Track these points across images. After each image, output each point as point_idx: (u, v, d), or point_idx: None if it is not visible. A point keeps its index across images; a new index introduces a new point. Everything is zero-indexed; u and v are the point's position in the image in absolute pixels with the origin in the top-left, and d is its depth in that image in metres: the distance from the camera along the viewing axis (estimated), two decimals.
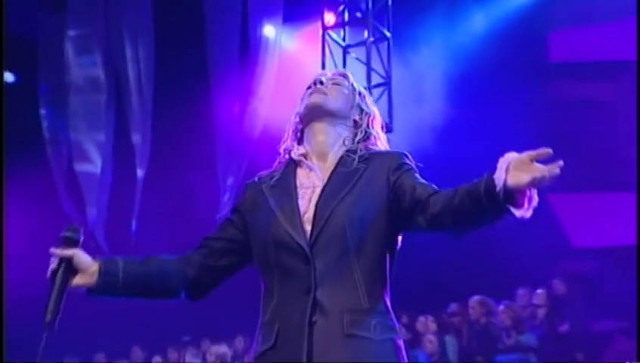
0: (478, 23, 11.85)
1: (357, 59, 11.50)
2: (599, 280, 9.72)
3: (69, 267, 3.42)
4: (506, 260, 10.70)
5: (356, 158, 3.62)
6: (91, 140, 13.45)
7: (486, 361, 10.20)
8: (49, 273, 3.44)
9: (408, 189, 3.52)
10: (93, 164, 13.44)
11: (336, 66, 11.31)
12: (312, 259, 3.46)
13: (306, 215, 3.51)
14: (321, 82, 3.75)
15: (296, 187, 3.62)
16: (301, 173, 3.67)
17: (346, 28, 11.72)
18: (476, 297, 10.61)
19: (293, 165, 3.70)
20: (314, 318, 3.42)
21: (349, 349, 3.38)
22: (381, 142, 3.79)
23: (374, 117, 3.79)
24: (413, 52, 11.67)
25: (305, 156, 3.68)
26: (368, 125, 3.76)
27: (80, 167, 13.39)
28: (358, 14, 11.65)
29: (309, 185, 3.61)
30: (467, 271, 11.34)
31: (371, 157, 3.64)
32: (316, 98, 3.70)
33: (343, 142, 3.70)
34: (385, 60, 11.49)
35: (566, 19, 11.13)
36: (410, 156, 3.64)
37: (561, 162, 3.16)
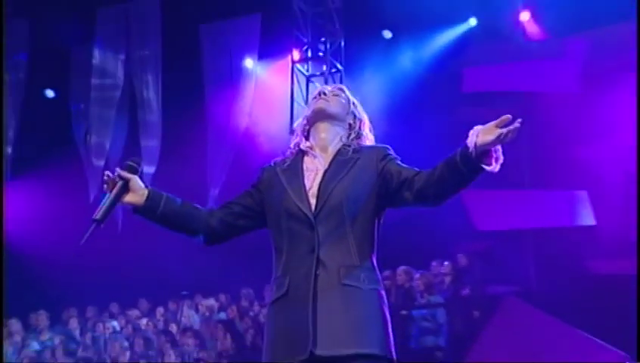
0: (409, 59, 12.07)
1: (317, 86, 11.13)
2: (493, 255, 10.08)
3: (126, 186, 3.65)
4: (424, 239, 10.92)
5: (350, 150, 3.81)
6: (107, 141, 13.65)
7: (407, 314, 10.04)
8: (105, 186, 3.67)
9: (394, 173, 3.71)
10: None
11: (300, 92, 11.99)
12: (316, 226, 3.63)
13: (310, 191, 3.69)
14: (325, 93, 3.94)
15: (303, 171, 3.77)
16: (307, 160, 3.81)
17: (309, 62, 12.14)
18: (402, 267, 10.67)
19: (301, 154, 3.84)
20: (317, 272, 3.58)
21: (343, 295, 3.57)
22: (369, 140, 3.95)
23: (363, 122, 3.96)
24: (360, 82, 11.84)
25: (310, 148, 3.83)
26: (359, 128, 3.94)
27: (99, 162, 13.58)
28: (320, 53, 12.07)
29: (314, 169, 3.77)
30: (396, 247, 11.16)
31: (362, 150, 3.83)
32: (321, 104, 3.89)
33: (340, 139, 3.87)
34: None
35: (478, 58, 11.34)
36: (391, 149, 3.80)
37: (519, 122, 3.40)
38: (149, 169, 13.09)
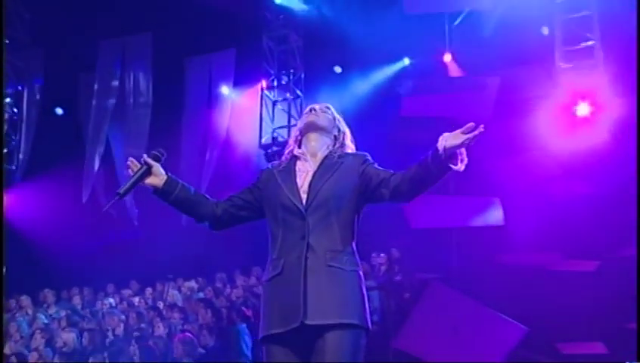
0: (356, 89, 12.14)
1: (282, 109, 12.11)
2: (422, 248, 10.00)
3: (149, 171, 3.69)
4: (366, 234, 10.90)
5: (336, 156, 3.80)
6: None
7: None
8: (130, 170, 3.71)
9: (373, 174, 3.72)
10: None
11: (268, 113, 12.14)
12: (306, 217, 3.62)
13: (302, 189, 3.68)
14: (315, 110, 3.94)
15: (296, 172, 3.76)
16: (299, 164, 3.80)
17: (276, 90, 12.23)
18: None
19: (294, 159, 3.83)
20: (307, 255, 3.57)
21: (329, 274, 3.56)
22: (351, 149, 3.92)
23: (346, 134, 3.94)
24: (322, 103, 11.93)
25: (302, 153, 3.82)
26: (342, 139, 3.92)
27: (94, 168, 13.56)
28: (283, 82, 12.20)
29: (305, 171, 3.76)
30: None
31: (346, 156, 3.82)
32: (312, 118, 3.89)
33: (327, 147, 3.85)
34: (298, 110, 11.96)
35: (413, 89, 11.28)
36: (370, 156, 3.79)
37: (482, 128, 3.40)
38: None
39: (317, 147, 3.83)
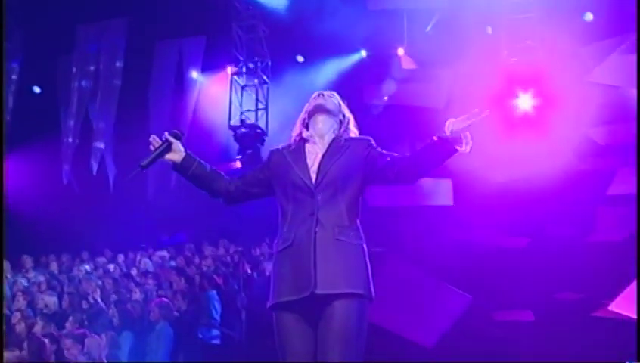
0: (317, 77, 12.17)
1: (250, 94, 11.92)
2: (379, 224, 9.34)
3: (169, 147, 3.70)
4: None
5: (343, 140, 3.76)
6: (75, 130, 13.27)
7: None
8: (151, 146, 3.70)
9: (378, 157, 3.71)
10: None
11: (237, 97, 11.93)
12: (316, 195, 3.60)
13: (312, 169, 3.67)
14: (322, 94, 3.89)
15: (305, 153, 3.73)
16: (308, 146, 3.76)
17: (244, 75, 11.99)
18: None
19: (302, 141, 3.79)
20: (316, 229, 3.55)
21: (337, 247, 3.54)
22: (354, 133, 3.88)
23: (349, 120, 3.88)
24: (282, 92, 11.86)
25: (311, 136, 3.78)
26: (347, 124, 3.86)
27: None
28: (251, 67, 12.01)
29: (314, 152, 3.73)
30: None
31: (352, 140, 3.80)
32: (320, 101, 3.84)
33: (333, 131, 3.80)
34: (265, 95, 11.94)
35: (373, 78, 11.36)
36: (373, 140, 3.77)
37: (487, 112, 3.46)
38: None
39: (324, 129, 3.79)
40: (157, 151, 3.68)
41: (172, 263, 11.48)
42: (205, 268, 10.70)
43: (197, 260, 11.33)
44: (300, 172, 3.67)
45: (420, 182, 10.38)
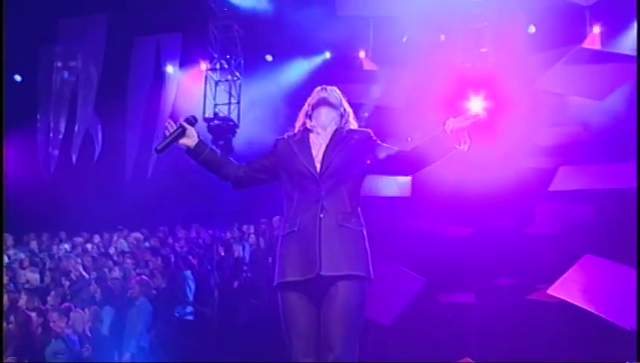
0: (284, 75, 12.13)
1: (223, 89, 11.80)
2: None
3: (183, 132, 3.66)
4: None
5: (345, 132, 3.74)
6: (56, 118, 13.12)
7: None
8: (166, 131, 3.68)
9: (378, 149, 3.72)
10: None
11: (211, 91, 11.83)
12: (320, 183, 3.58)
13: (317, 158, 3.64)
14: (325, 89, 3.83)
15: (310, 143, 3.70)
16: (312, 136, 3.73)
17: (218, 71, 11.86)
18: (276, 217, 10.62)
19: (306, 132, 3.75)
20: (321, 215, 3.53)
21: (341, 233, 3.52)
22: (354, 126, 3.85)
23: (349, 113, 3.86)
24: (253, 88, 11.92)
25: (314, 126, 3.76)
26: (347, 117, 3.84)
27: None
28: (225, 65, 11.89)
29: (318, 143, 3.70)
30: (272, 203, 11.20)
31: (354, 132, 3.78)
32: (324, 94, 3.79)
33: (335, 123, 3.77)
34: (237, 90, 11.84)
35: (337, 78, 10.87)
36: (373, 133, 3.76)
37: (484, 111, 3.63)
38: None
39: (327, 121, 3.77)
40: (172, 136, 3.64)
41: (146, 244, 11.41)
42: (179, 249, 10.66)
43: (170, 241, 11.28)
44: (306, 161, 3.64)
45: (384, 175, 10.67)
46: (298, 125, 3.83)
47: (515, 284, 8.98)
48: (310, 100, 3.84)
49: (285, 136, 3.81)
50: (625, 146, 8.58)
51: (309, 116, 3.81)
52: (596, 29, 9.72)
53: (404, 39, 10.20)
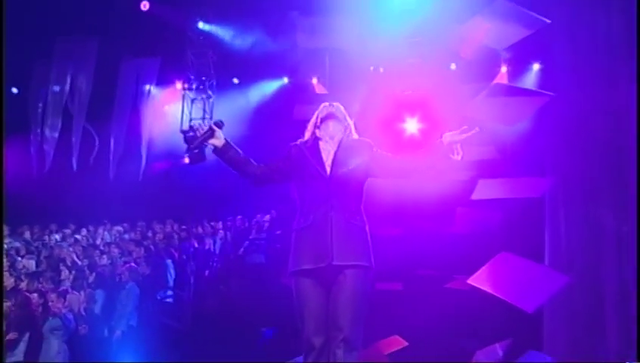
0: (249, 96, 12.07)
1: (198, 106, 11.79)
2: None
3: (212, 134, 3.63)
4: (257, 200, 10.80)
5: (349, 141, 3.74)
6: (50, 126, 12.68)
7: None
8: (197, 132, 3.68)
9: (380, 157, 3.70)
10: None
11: (188, 109, 11.79)
12: (330, 185, 3.55)
13: (327, 163, 3.62)
14: (332, 105, 3.82)
15: (320, 150, 3.69)
16: (321, 144, 3.72)
17: (194, 91, 11.85)
18: (239, 216, 11.03)
19: (316, 140, 3.74)
20: (331, 213, 3.50)
21: (348, 228, 3.51)
22: (356, 137, 3.84)
23: (352, 126, 3.84)
24: (225, 106, 11.81)
25: (323, 136, 3.74)
26: (350, 129, 3.83)
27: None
28: (200, 86, 11.87)
29: (327, 149, 3.68)
30: (239, 204, 11.29)
31: (357, 141, 3.78)
32: (331, 110, 3.79)
33: (340, 133, 3.75)
34: (210, 107, 11.81)
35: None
36: (372, 142, 3.71)
37: (477, 129, 3.44)
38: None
39: (334, 131, 3.75)
40: (203, 136, 3.62)
41: (126, 236, 11.27)
42: (158, 242, 10.55)
43: (150, 234, 11.15)
44: (318, 166, 3.63)
45: None
46: (308, 134, 3.83)
47: (436, 275, 9.04)
48: (319, 114, 3.84)
49: (298, 143, 3.80)
50: (531, 163, 8.82)
51: (317, 127, 3.80)
52: (503, 69, 10.11)
53: (371, 68, 10.09)
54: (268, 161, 3.77)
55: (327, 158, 3.66)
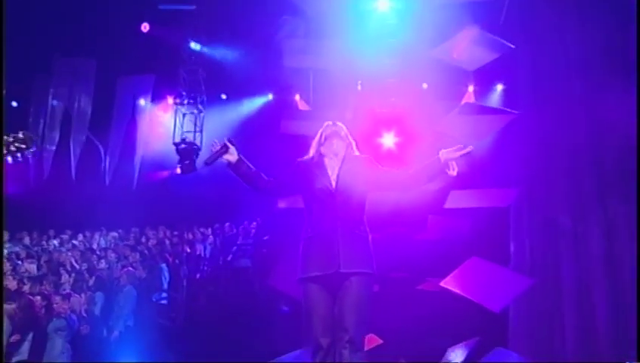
0: (239, 110, 12.18)
1: (189, 120, 11.78)
2: (283, 220, 9.52)
3: (227, 149, 3.63)
4: (241, 208, 10.75)
5: (352, 157, 3.76)
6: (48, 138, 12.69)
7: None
8: (213, 148, 3.67)
9: (381, 172, 3.72)
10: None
11: (179, 122, 11.75)
12: (336, 197, 3.56)
13: (332, 177, 3.64)
14: (336, 124, 3.84)
15: (325, 166, 3.71)
16: (326, 160, 3.73)
17: (185, 105, 11.85)
18: (227, 223, 11.09)
19: (321, 156, 3.75)
20: (338, 224, 3.51)
21: (353, 237, 3.53)
22: (357, 153, 3.84)
23: (353, 144, 3.87)
24: (214, 120, 11.89)
25: (328, 153, 3.76)
26: (352, 147, 3.85)
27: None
28: (192, 101, 11.83)
29: (331, 166, 3.70)
30: (227, 211, 11.36)
31: (358, 157, 3.79)
32: (336, 129, 3.79)
33: (343, 150, 3.78)
34: (201, 121, 11.82)
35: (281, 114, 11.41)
36: (373, 159, 3.72)
37: (470, 147, 3.48)
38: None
39: (338, 149, 3.78)
40: (218, 152, 3.64)
41: (121, 242, 11.23)
42: (152, 247, 10.57)
43: (143, 240, 11.15)
44: (324, 180, 3.66)
45: None
46: (313, 151, 3.85)
47: (410, 278, 9.10)
48: (323, 132, 3.86)
49: (305, 159, 3.84)
50: (498, 175, 8.98)
51: (322, 145, 3.82)
52: (470, 88, 10.21)
53: (358, 87, 10.17)
54: (279, 176, 3.81)
55: (333, 173, 3.69)
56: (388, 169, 3.80)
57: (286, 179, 3.80)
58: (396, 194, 9.32)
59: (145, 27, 10.00)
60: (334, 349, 3.48)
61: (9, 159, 3.07)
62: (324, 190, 3.63)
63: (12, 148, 3.02)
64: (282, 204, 9.62)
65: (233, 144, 3.67)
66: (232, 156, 3.67)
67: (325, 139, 3.82)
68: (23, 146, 3.05)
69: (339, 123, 3.90)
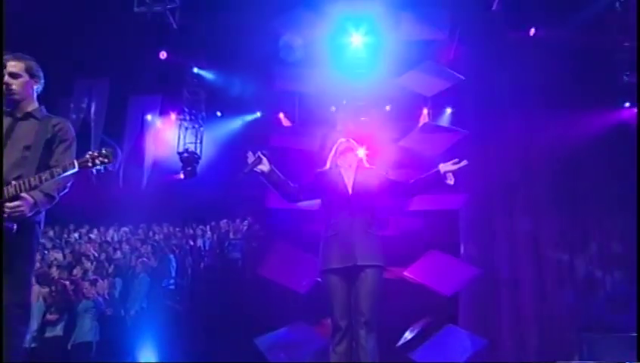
0: (233, 125, 12.11)
1: (191, 133, 11.71)
2: (274, 218, 9.57)
3: (260, 161, 3.57)
4: (237, 207, 10.96)
5: (364, 168, 3.78)
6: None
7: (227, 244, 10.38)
8: (248, 159, 3.55)
9: (391, 181, 3.74)
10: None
11: (183, 136, 11.66)
12: (352, 202, 3.57)
13: (349, 185, 3.65)
14: (349, 140, 3.84)
15: (342, 176, 3.70)
16: (342, 171, 3.73)
17: (188, 121, 11.81)
18: (224, 219, 11.01)
19: (337, 168, 3.75)
20: (354, 225, 3.52)
21: (368, 236, 3.55)
22: (368, 165, 3.85)
23: (364, 157, 3.90)
24: (212, 133, 11.92)
25: (343, 164, 3.76)
26: (363, 160, 3.86)
27: None
28: (193, 117, 11.82)
29: (347, 175, 3.70)
30: (224, 209, 11.43)
31: (368, 169, 3.80)
32: (348, 144, 3.80)
33: (356, 162, 3.79)
34: (201, 134, 11.79)
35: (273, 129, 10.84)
36: (383, 170, 3.77)
37: (465, 162, 3.38)
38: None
39: (351, 161, 3.83)
40: (253, 163, 3.61)
41: (132, 236, 11.29)
42: (159, 240, 10.68)
43: (151, 234, 11.25)
44: (341, 187, 3.69)
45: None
46: (329, 163, 3.89)
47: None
48: (338, 148, 3.89)
49: (323, 170, 3.87)
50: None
51: (338, 158, 3.86)
52: (425, 111, 10.43)
53: (332, 109, 10.28)
54: (302, 184, 3.82)
55: (349, 182, 3.73)
56: (397, 179, 3.85)
57: (308, 186, 3.80)
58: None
59: (163, 55, 10.05)
60: (351, 330, 3.52)
61: (94, 171, 3.19)
62: (341, 196, 3.65)
63: (97, 162, 3.14)
64: (271, 204, 9.89)
65: (266, 156, 3.64)
66: (265, 166, 3.64)
67: (340, 153, 3.85)
68: (106, 160, 3.19)
69: (351, 140, 3.93)
